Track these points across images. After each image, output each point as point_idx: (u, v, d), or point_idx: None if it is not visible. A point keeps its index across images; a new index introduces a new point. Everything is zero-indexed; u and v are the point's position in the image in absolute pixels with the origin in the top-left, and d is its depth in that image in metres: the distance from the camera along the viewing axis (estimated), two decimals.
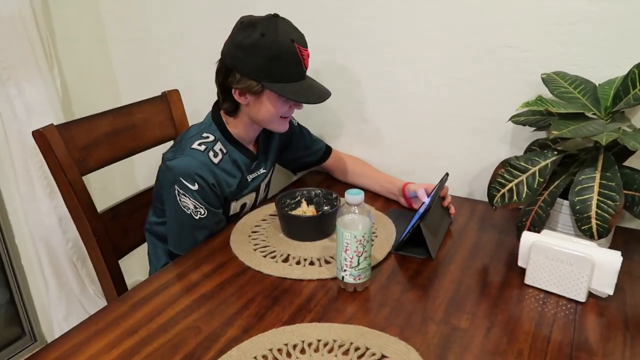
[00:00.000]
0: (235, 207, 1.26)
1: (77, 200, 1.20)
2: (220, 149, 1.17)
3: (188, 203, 1.11)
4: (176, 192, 1.11)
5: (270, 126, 1.20)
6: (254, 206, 1.32)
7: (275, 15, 1.10)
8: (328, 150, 1.43)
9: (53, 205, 1.70)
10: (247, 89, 1.11)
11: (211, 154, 1.15)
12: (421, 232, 1.03)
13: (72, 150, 1.21)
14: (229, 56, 1.11)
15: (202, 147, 1.14)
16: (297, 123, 1.38)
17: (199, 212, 1.12)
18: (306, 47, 1.12)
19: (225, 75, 1.13)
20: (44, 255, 1.74)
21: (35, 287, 1.80)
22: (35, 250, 1.73)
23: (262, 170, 1.30)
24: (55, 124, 1.19)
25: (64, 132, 1.19)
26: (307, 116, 1.46)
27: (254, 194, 1.30)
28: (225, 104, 1.18)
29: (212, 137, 1.17)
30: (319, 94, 1.14)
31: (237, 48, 1.09)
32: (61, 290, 1.81)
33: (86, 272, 1.85)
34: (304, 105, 1.17)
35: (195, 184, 1.10)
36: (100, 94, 1.91)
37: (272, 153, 1.33)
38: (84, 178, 1.24)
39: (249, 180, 1.26)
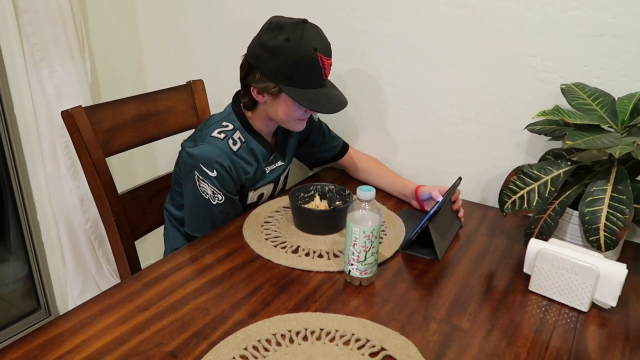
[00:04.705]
0: (252, 196, 1.29)
1: (100, 181, 1.25)
2: (239, 138, 1.21)
3: (207, 189, 1.15)
4: (196, 177, 1.14)
5: (287, 126, 1.23)
6: (272, 197, 1.35)
7: (304, 21, 1.11)
8: (345, 148, 1.45)
9: (76, 185, 1.75)
10: (264, 89, 1.14)
11: (230, 141, 1.18)
12: (429, 233, 1.05)
13: (98, 132, 1.26)
14: (253, 54, 1.14)
15: (222, 135, 1.18)
16: (318, 118, 1.41)
17: (216, 198, 1.16)
18: (329, 56, 1.13)
19: (247, 71, 1.16)
20: (63, 233, 1.79)
21: (54, 264, 1.86)
22: (55, 227, 1.78)
23: (280, 163, 1.33)
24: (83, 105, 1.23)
25: (91, 114, 1.24)
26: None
27: (272, 185, 1.33)
28: (245, 98, 1.21)
29: (231, 126, 1.21)
30: (334, 104, 1.14)
31: (261, 48, 1.12)
32: (78, 268, 1.86)
33: (103, 252, 1.90)
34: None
35: (215, 170, 1.14)
36: (127, 80, 1.96)
37: (291, 146, 1.36)
38: (107, 160, 1.28)
39: (267, 171, 1.29)
